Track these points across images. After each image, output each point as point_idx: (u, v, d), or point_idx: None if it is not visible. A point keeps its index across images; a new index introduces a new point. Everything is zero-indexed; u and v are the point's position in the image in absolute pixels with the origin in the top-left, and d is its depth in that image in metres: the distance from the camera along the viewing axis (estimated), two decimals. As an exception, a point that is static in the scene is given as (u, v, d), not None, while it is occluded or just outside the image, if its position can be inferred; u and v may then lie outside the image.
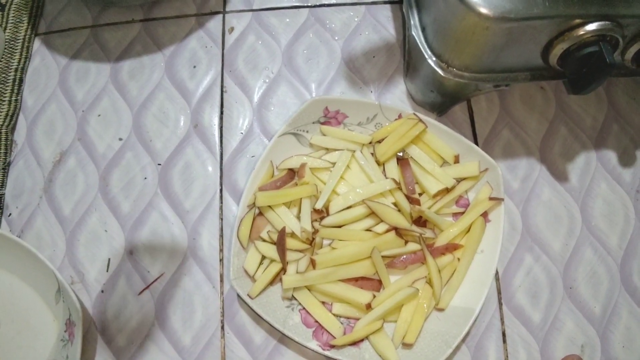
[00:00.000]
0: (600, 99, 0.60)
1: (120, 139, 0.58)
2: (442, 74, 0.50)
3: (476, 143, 0.57)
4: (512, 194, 0.56)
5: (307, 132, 0.54)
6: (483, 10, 0.43)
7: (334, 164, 0.54)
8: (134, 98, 0.59)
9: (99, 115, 0.59)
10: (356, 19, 0.62)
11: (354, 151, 0.54)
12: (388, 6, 0.62)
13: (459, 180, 0.53)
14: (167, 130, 0.58)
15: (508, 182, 0.56)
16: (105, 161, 0.58)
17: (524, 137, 0.58)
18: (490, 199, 0.52)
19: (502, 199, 0.52)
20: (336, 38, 0.61)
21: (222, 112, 0.58)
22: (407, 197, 0.52)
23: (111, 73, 0.61)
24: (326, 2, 0.62)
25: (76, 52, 0.62)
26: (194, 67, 0.60)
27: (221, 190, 0.56)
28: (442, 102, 0.56)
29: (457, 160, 0.54)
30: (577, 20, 0.45)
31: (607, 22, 0.45)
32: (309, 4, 0.62)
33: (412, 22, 0.52)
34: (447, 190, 0.53)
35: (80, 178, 0.57)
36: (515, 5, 0.43)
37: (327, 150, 0.55)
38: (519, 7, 0.43)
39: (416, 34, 0.52)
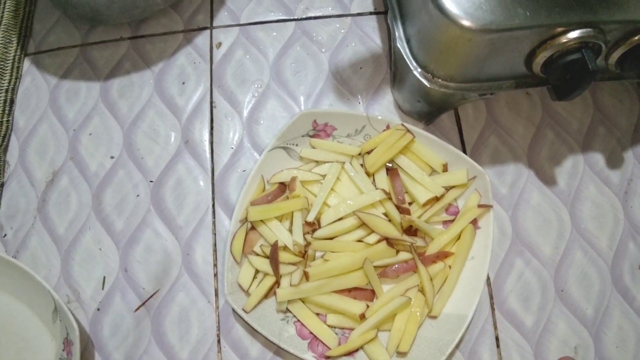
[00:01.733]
0: (586, 103, 0.61)
1: (112, 157, 0.59)
2: (427, 85, 0.51)
3: (464, 150, 0.58)
4: (501, 199, 0.57)
5: (297, 145, 0.55)
6: (465, 23, 0.44)
7: (324, 176, 0.54)
8: (124, 116, 0.60)
9: (90, 134, 0.60)
10: (342, 31, 0.62)
11: (344, 163, 0.54)
12: (374, 17, 0.63)
13: (448, 189, 0.54)
14: (158, 147, 0.59)
15: (496, 188, 0.57)
16: (98, 180, 0.58)
17: (511, 142, 0.58)
18: (479, 206, 0.53)
19: (491, 206, 0.52)
20: (323, 50, 0.62)
21: (212, 128, 0.59)
22: (397, 207, 0.53)
23: (101, 91, 0.61)
24: (312, 15, 0.63)
25: (66, 71, 0.63)
26: (183, 83, 0.61)
27: (213, 205, 0.56)
28: (429, 111, 0.57)
29: (445, 168, 0.54)
30: (559, 29, 0.45)
31: (589, 30, 0.45)
32: (296, 17, 0.63)
33: (397, 33, 0.53)
34: (437, 199, 0.53)
35: (74, 197, 0.58)
36: (496, 17, 0.44)
37: (317, 162, 0.55)
38: (500, 18, 0.44)
39: (401, 45, 0.52)
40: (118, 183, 0.58)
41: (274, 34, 0.62)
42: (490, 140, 0.58)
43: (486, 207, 0.52)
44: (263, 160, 0.54)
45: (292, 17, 0.63)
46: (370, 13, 0.63)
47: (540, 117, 0.59)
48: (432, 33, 0.48)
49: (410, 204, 0.54)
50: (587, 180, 0.58)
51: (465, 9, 0.44)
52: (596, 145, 0.60)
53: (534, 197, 0.57)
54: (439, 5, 0.44)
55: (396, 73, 0.57)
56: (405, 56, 0.52)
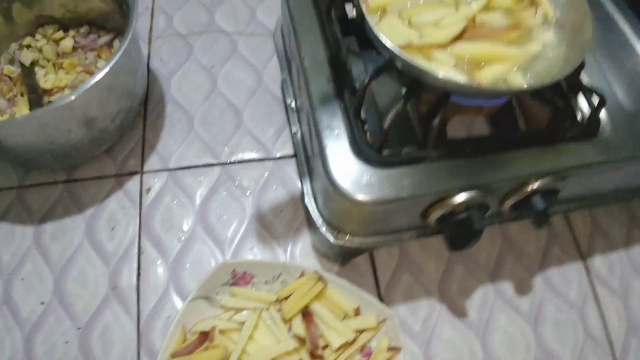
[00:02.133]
0: (493, 234, 0.65)
1: (42, 303, 0.61)
2: (333, 241, 0.55)
3: (378, 289, 0.61)
4: (414, 336, 0.60)
5: (218, 293, 0.58)
6: (356, 198, 0.48)
7: (243, 323, 0.57)
8: (55, 261, 0.62)
9: (23, 279, 0.62)
10: (265, 175, 0.66)
11: (262, 310, 0.57)
12: (293, 160, 0.67)
13: (361, 332, 0.57)
14: (87, 293, 0.61)
15: (409, 324, 0.60)
16: (29, 325, 0.60)
17: (423, 279, 0.62)
18: (389, 349, 0.56)
19: (400, 348, 0.55)
20: (247, 194, 0.66)
21: (139, 274, 0.62)
22: (312, 353, 0.55)
23: (34, 236, 0.64)
24: (237, 159, 0.67)
25: (2, 213, 0.65)
26: (113, 228, 0.64)
27: (139, 353, 0.58)
28: (344, 254, 0.60)
29: (357, 312, 0.57)
30: (446, 194, 0.50)
31: (474, 192, 0.49)
32: (221, 162, 0.67)
33: (305, 189, 0.57)
34: (350, 343, 0.56)
35: (7, 342, 0.59)
36: (383, 192, 0.48)
37: (237, 310, 0.58)
38: (387, 191, 0.48)
39: (309, 201, 0.56)
40: (48, 329, 0.60)
41: (201, 178, 0.66)
42: (404, 278, 0.62)
43: (395, 349, 0.55)
44: (184, 310, 0.56)
45: (218, 162, 0.67)
46: (291, 156, 0.67)
47: (449, 253, 0.63)
48: (331, 199, 0.52)
49: (325, 347, 0.57)
50: (497, 310, 0.62)
51: (355, 184, 0.48)
52: (505, 274, 0.63)
53: (446, 331, 0.60)
54: (331, 181, 0.48)
55: (309, 221, 0.61)
56: (312, 212, 0.56)
